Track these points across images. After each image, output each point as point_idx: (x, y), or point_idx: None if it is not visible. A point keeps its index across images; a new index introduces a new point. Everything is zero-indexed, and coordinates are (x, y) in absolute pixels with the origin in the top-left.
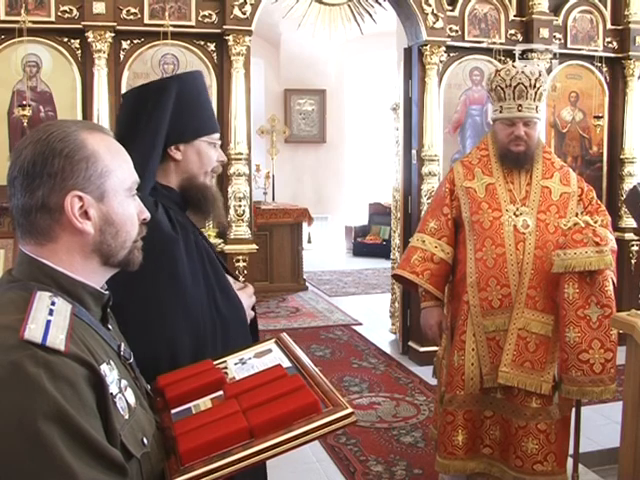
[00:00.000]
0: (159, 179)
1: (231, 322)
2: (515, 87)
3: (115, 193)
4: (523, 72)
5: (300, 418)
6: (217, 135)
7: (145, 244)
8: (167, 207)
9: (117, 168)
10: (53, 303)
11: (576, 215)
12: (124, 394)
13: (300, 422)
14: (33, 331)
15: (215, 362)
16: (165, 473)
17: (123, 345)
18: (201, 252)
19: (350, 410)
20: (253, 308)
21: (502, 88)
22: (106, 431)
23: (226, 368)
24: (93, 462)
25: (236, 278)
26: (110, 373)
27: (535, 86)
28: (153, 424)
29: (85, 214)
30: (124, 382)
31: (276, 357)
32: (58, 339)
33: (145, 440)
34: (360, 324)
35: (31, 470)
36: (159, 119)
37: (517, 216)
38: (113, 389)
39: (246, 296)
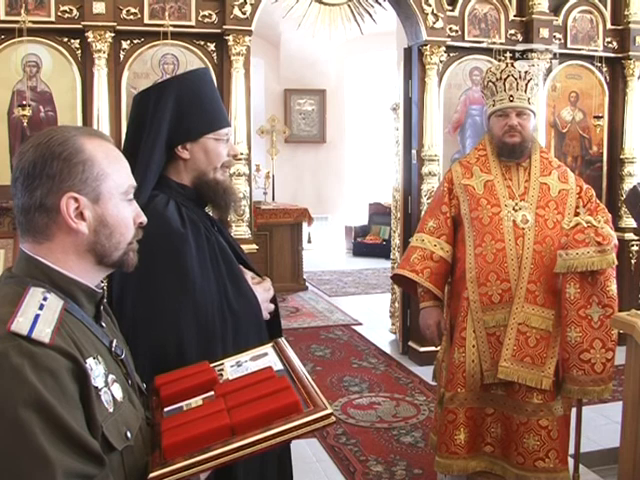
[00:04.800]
0: (173, 177)
1: (243, 316)
2: (505, 79)
3: (110, 196)
4: (513, 65)
5: (281, 417)
6: (226, 130)
7: (154, 240)
8: (180, 204)
9: (113, 172)
10: (45, 298)
11: (576, 214)
12: (110, 388)
13: (280, 421)
14: (20, 324)
15: (213, 364)
16: (148, 466)
17: (115, 342)
18: (213, 247)
19: (329, 411)
20: (275, 301)
21: (493, 82)
22: (88, 422)
23: (222, 370)
24: (69, 450)
25: (258, 274)
26: (96, 367)
27: (525, 78)
28: (140, 419)
29: (80, 215)
30: (112, 377)
31: (270, 360)
32: (44, 332)
33: (129, 434)
34: (360, 324)
35: (8, 454)
36: (159, 122)
37: (516, 211)
38: (99, 383)
39: (262, 290)
